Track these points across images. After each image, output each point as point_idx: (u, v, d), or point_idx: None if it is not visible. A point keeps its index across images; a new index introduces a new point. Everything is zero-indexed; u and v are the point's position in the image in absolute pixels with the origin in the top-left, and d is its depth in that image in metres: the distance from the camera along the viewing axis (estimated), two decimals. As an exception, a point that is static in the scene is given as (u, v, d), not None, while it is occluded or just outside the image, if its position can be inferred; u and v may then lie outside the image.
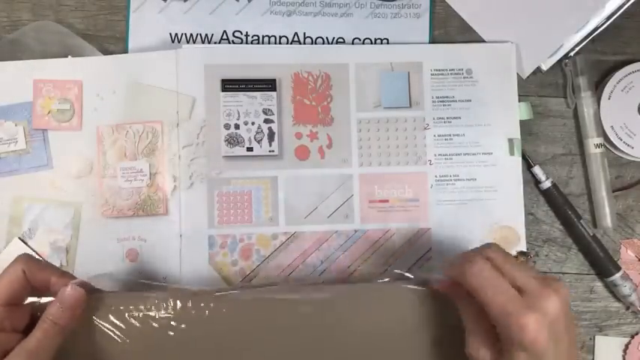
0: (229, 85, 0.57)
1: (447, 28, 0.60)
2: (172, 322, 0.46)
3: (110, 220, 0.56)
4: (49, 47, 0.58)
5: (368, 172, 0.58)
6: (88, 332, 0.45)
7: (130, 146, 0.57)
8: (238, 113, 0.57)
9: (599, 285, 0.59)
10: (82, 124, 0.57)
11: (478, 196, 0.58)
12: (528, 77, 0.60)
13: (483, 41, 0.60)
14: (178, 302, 0.46)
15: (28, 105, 0.57)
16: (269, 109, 0.58)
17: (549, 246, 0.59)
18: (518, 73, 0.59)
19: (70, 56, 0.57)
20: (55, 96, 0.57)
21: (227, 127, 0.57)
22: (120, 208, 0.56)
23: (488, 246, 0.43)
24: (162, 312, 0.46)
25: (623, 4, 0.58)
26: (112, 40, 0.59)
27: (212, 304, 0.47)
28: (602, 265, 0.58)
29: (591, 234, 0.58)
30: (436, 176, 0.58)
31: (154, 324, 0.46)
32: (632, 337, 0.58)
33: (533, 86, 0.60)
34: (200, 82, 0.57)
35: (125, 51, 0.58)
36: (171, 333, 0.46)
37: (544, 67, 0.59)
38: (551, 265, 0.59)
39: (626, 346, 0.58)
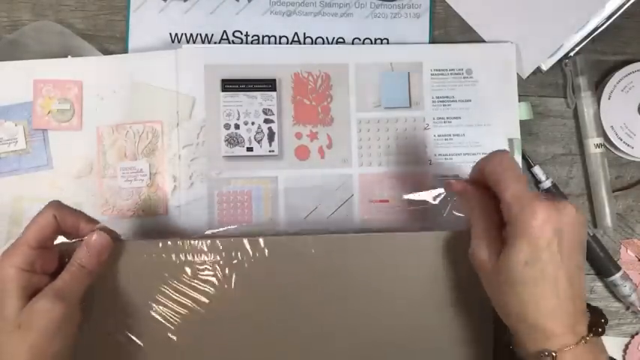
0: (229, 85, 0.57)
1: (447, 28, 0.60)
2: (200, 269, 0.48)
3: (110, 220, 0.56)
4: (49, 47, 0.57)
5: (368, 172, 0.58)
6: (112, 278, 0.47)
7: (130, 146, 0.57)
8: (238, 113, 0.57)
9: (599, 285, 0.59)
10: (82, 124, 0.57)
11: (478, 196, 0.58)
12: (528, 77, 0.60)
13: (483, 41, 0.60)
14: (200, 250, 0.48)
15: (28, 105, 0.57)
16: (269, 109, 0.58)
17: (549, 246, 0.59)
18: (518, 73, 0.59)
19: (70, 56, 0.57)
20: (55, 96, 0.57)
21: (227, 127, 0.57)
22: (120, 208, 0.56)
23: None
24: (182, 258, 0.48)
25: (623, 4, 0.58)
26: (112, 40, 0.59)
27: (233, 251, 0.48)
28: (602, 265, 0.58)
29: (591, 234, 0.58)
30: (436, 176, 0.58)
31: (173, 270, 0.48)
32: (632, 337, 0.58)
33: (533, 86, 0.60)
34: (200, 82, 0.57)
35: (125, 51, 0.58)
36: (190, 277, 0.48)
37: (544, 67, 0.59)
38: (551, 265, 0.59)
39: (626, 346, 0.58)
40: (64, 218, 0.44)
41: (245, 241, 0.48)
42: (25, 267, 0.42)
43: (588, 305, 0.42)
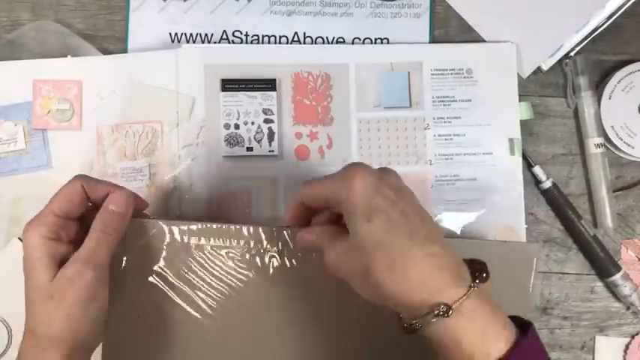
0: (229, 85, 0.57)
1: (447, 28, 0.60)
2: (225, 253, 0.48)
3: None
4: (49, 47, 0.57)
5: (368, 172, 0.58)
6: (134, 255, 0.47)
7: (130, 146, 0.57)
8: (238, 113, 0.57)
9: (599, 285, 0.59)
10: (81, 124, 0.57)
11: (478, 196, 0.58)
12: (529, 77, 0.60)
13: (483, 41, 0.60)
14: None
15: (27, 105, 0.57)
16: (269, 109, 0.58)
17: (549, 246, 0.59)
18: (518, 73, 0.59)
19: (69, 56, 0.57)
20: (55, 96, 0.57)
21: (227, 127, 0.57)
22: (120, 208, 0.56)
23: None
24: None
25: (623, 4, 0.58)
26: (111, 40, 0.59)
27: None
28: (603, 265, 0.58)
29: (592, 234, 0.58)
30: (436, 176, 0.58)
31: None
32: (633, 337, 0.58)
33: (534, 86, 0.60)
34: (200, 82, 0.57)
35: (125, 51, 0.58)
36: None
37: (544, 67, 0.59)
38: (551, 266, 0.59)
39: (627, 347, 0.58)
40: (94, 188, 0.44)
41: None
42: (50, 235, 0.42)
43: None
